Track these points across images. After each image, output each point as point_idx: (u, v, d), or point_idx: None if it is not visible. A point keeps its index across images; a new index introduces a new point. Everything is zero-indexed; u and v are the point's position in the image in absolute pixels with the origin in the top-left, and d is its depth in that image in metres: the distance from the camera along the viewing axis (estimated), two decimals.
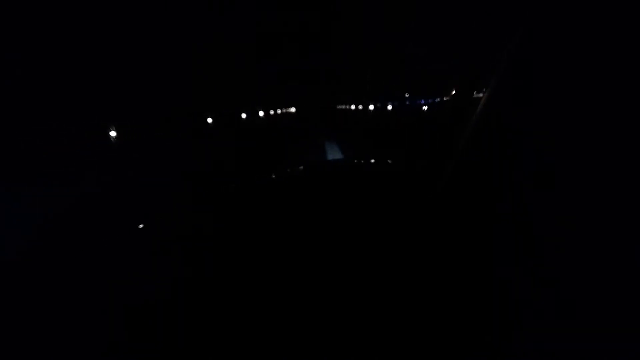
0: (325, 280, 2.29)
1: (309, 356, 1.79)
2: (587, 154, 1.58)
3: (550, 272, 1.82)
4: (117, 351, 2.13)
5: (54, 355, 2.22)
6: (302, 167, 4.26)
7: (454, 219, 2.45)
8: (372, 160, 4.40)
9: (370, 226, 2.79)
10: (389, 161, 4.06)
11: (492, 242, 2.20)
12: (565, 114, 1.75)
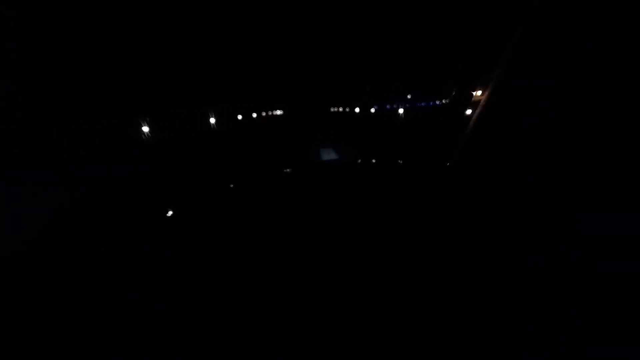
0: (325, 280, 2.29)
1: (309, 355, 1.80)
2: (586, 152, 1.58)
3: (550, 271, 1.83)
4: (118, 350, 2.13)
5: (54, 354, 2.22)
6: (291, 169, 4.25)
7: (454, 218, 2.45)
8: (368, 161, 4.42)
9: (369, 225, 2.79)
10: (386, 161, 4.06)
11: (492, 241, 2.21)
12: (564, 114, 1.76)
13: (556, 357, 1.66)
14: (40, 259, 5.75)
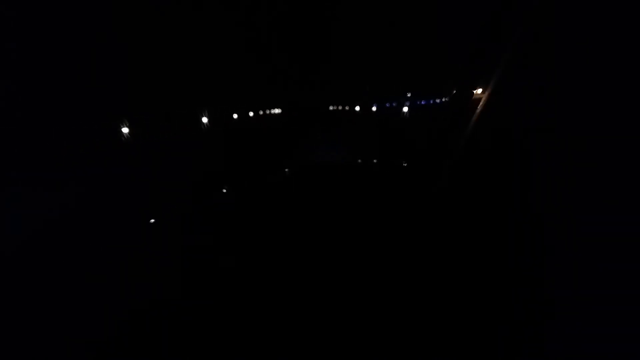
0: (325, 280, 2.29)
1: (309, 355, 1.79)
2: (586, 152, 1.58)
3: (550, 271, 1.82)
4: (118, 350, 2.13)
5: (54, 354, 2.22)
6: (290, 169, 4.26)
7: (454, 218, 2.45)
8: (368, 161, 4.42)
9: (369, 226, 2.79)
10: (386, 161, 4.06)
11: (492, 241, 2.20)
12: (563, 114, 1.76)
13: (556, 357, 1.66)
14: (40, 259, 5.75)
